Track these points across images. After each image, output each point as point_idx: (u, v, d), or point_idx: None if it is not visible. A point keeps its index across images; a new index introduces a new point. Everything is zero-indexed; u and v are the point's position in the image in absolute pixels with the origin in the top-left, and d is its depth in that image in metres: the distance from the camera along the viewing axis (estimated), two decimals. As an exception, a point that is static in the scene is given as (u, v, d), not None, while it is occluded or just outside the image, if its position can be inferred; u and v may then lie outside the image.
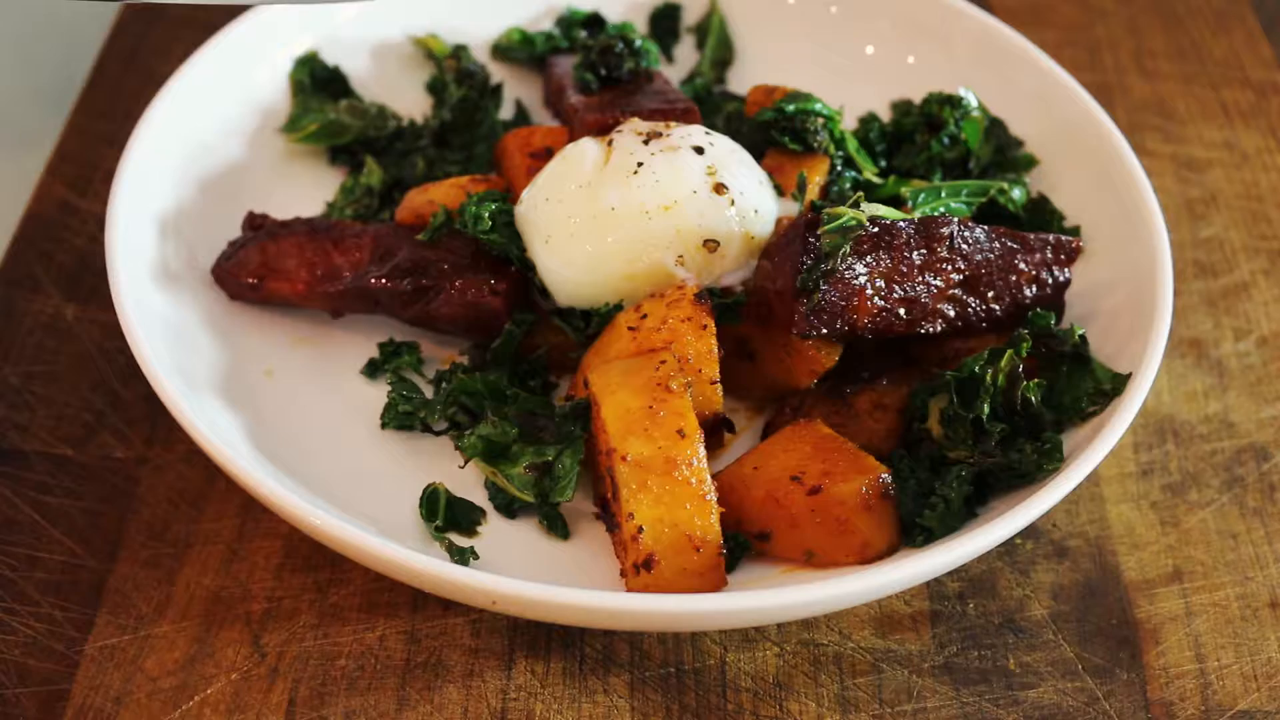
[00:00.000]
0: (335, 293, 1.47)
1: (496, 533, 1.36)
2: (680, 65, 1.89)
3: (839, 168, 1.58)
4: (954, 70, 1.76)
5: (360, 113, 1.72)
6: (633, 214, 1.41)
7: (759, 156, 1.55)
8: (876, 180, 1.58)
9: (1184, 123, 1.99)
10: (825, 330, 1.34)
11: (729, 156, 1.47)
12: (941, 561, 1.21)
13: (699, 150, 1.45)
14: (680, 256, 1.41)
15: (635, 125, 1.50)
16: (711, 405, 1.35)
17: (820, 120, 1.56)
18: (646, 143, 1.46)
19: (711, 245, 1.41)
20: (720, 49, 1.88)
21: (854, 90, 1.76)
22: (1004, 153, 1.69)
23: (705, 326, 1.35)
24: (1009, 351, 1.34)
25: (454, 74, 1.76)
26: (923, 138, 1.64)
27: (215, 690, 1.27)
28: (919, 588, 1.38)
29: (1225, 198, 1.86)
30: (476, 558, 1.31)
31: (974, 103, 1.64)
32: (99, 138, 1.84)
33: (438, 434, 1.45)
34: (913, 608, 1.36)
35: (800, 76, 1.72)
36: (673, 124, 1.51)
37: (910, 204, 1.53)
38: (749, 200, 1.45)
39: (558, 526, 1.35)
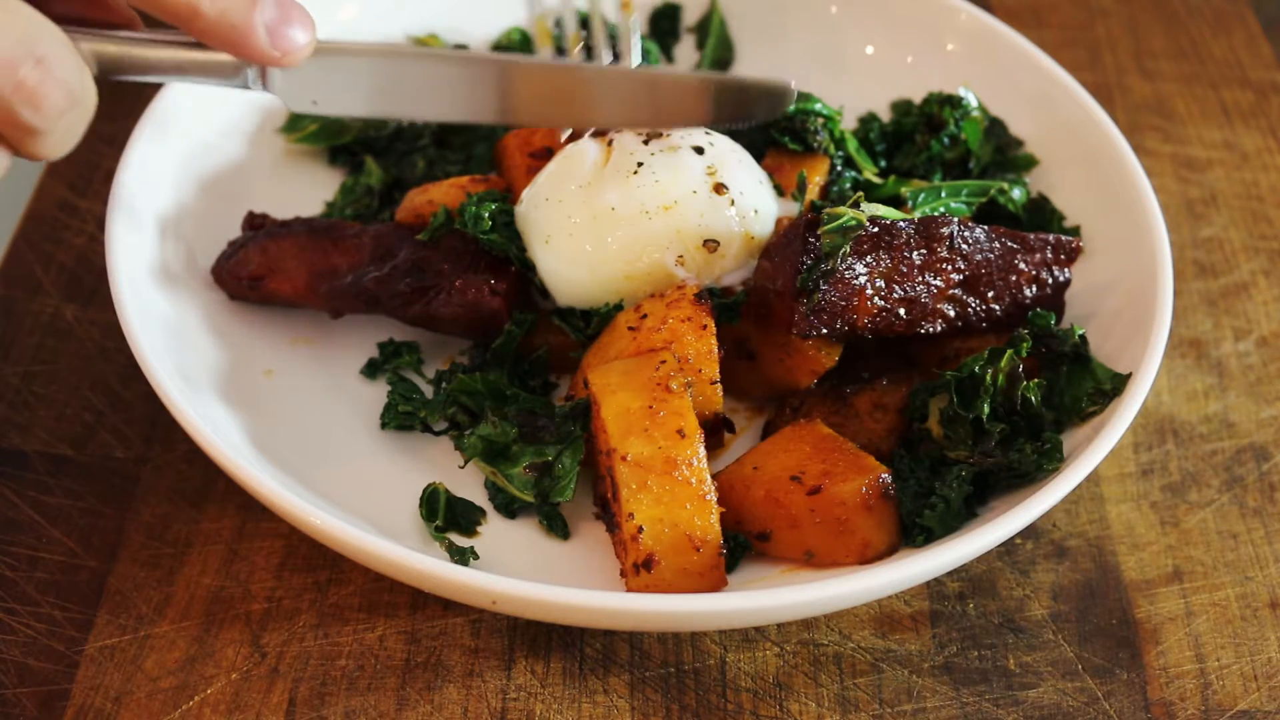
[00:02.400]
0: (335, 293, 1.47)
1: (496, 533, 1.36)
2: (680, 65, 1.89)
3: (839, 168, 1.58)
4: (954, 70, 1.76)
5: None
6: (633, 214, 1.41)
7: (759, 156, 1.56)
8: (876, 180, 1.58)
9: (1184, 123, 1.99)
10: (825, 330, 1.34)
11: (729, 156, 1.47)
12: (941, 561, 1.21)
13: (699, 150, 1.45)
14: (680, 256, 1.41)
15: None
16: (711, 405, 1.35)
17: (820, 120, 1.56)
18: (646, 142, 1.46)
19: (711, 245, 1.41)
20: (720, 49, 1.88)
21: (854, 90, 1.76)
22: (1004, 153, 1.69)
23: (705, 326, 1.35)
24: (1009, 351, 1.34)
25: (454, 74, 1.75)
26: (923, 138, 1.64)
27: (215, 690, 1.27)
28: (919, 588, 1.38)
29: (1225, 198, 1.86)
30: (476, 558, 1.31)
31: (974, 103, 1.64)
32: (99, 138, 1.82)
33: (438, 434, 1.45)
34: (913, 608, 1.36)
35: (800, 76, 1.72)
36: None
37: (910, 204, 1.53)
38: (749, 200, 1.45)
39: (558, 526, 1.36)
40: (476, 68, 1.32)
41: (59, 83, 1.01)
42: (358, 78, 1.26)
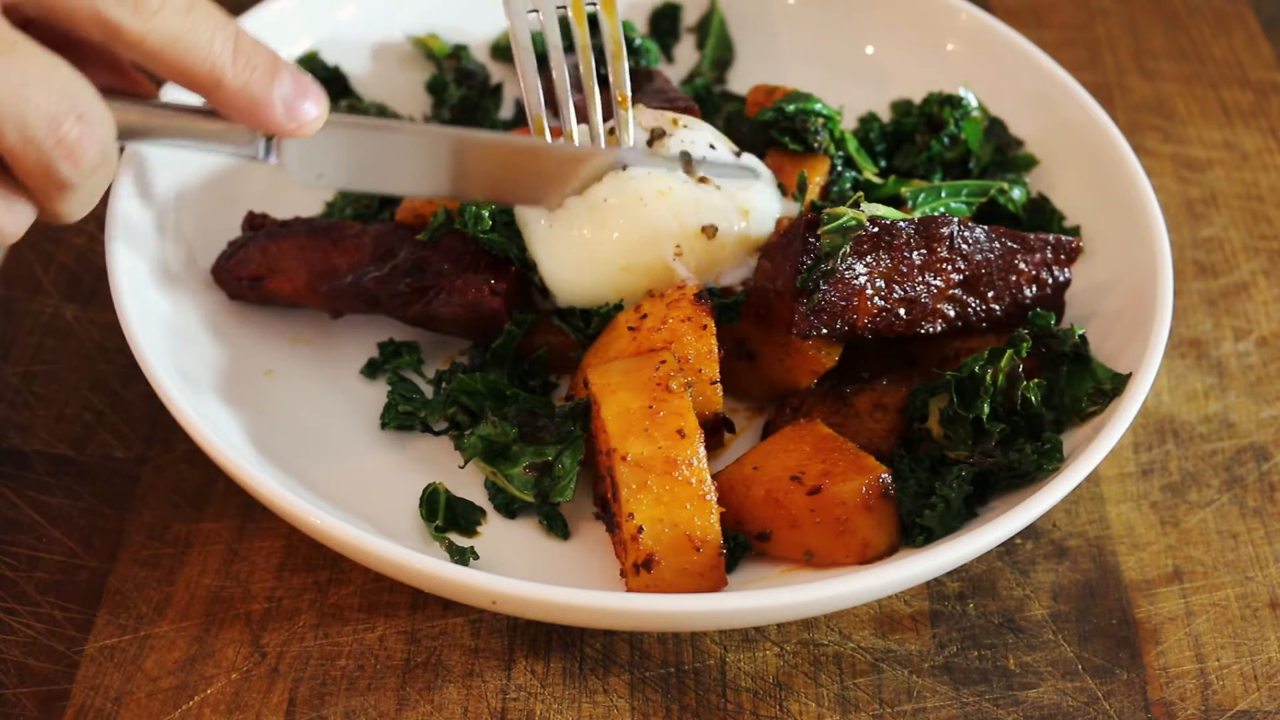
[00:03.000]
0: (335, 292, 1.47)
1: (496, 533, 1.36)
2: (680, 65, 1.89)
3: (839, 168, 1.58)
4: (954, 70, 1.76)
5: (360, 113, 1.72)
6: (628, 204, 1.41)
7: (760, 156, 1.55)
8: (876, 180, 1.58)
9: (1184, 123, 1.99)
10: (825, 330, 1.34)
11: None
12: (941, 561, 1.21)
13: (687, 159, 1.46)
14: (678, 246, 1.41)
15: (641, 115, 1.50)
16: (711, 405, 1.35)
17: (820, 120, 1.56)
18: (650, 143, 1.46)
19: (710, 231, 1.41)
20: (720, 49, 1.88)
21: (854, 90, 1.76)
22: (1004, 153, 1.69)
23: (705, 326, 1.35)
24: (1009, 351, 1.34)
25: (454, 74, 1.76)
26: (923, 138, 1.64)
27: (215, 690, 1.27)
28: (919, 588, 1.38)
29: (1225, 198, 1.86)
30: (476, 558, 1.32)
31: (974, 103, 1.64)
32: (99, 138, 1.83)
33: (438, 434, 1.45)
34: (913, 608, 1.36)
35: (800, 76, 1.72)
36: (681, 119, 1.50)
37: (910, 204, 1.53)
38: (741, 194, 1.45)
39: (558, 526, 1.36)
40: (483, 144, 1.36)
41: (96, 139, 1.05)
42: (364, 152, 1.31)
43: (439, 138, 1.35)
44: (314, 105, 1.19)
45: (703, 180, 1.43)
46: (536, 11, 1.42)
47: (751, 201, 1.46)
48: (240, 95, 1.13)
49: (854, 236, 1.32)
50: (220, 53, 1.10)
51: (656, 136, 1.47)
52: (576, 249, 1.43)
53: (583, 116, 1.49)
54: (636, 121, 1.49)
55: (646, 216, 1.41)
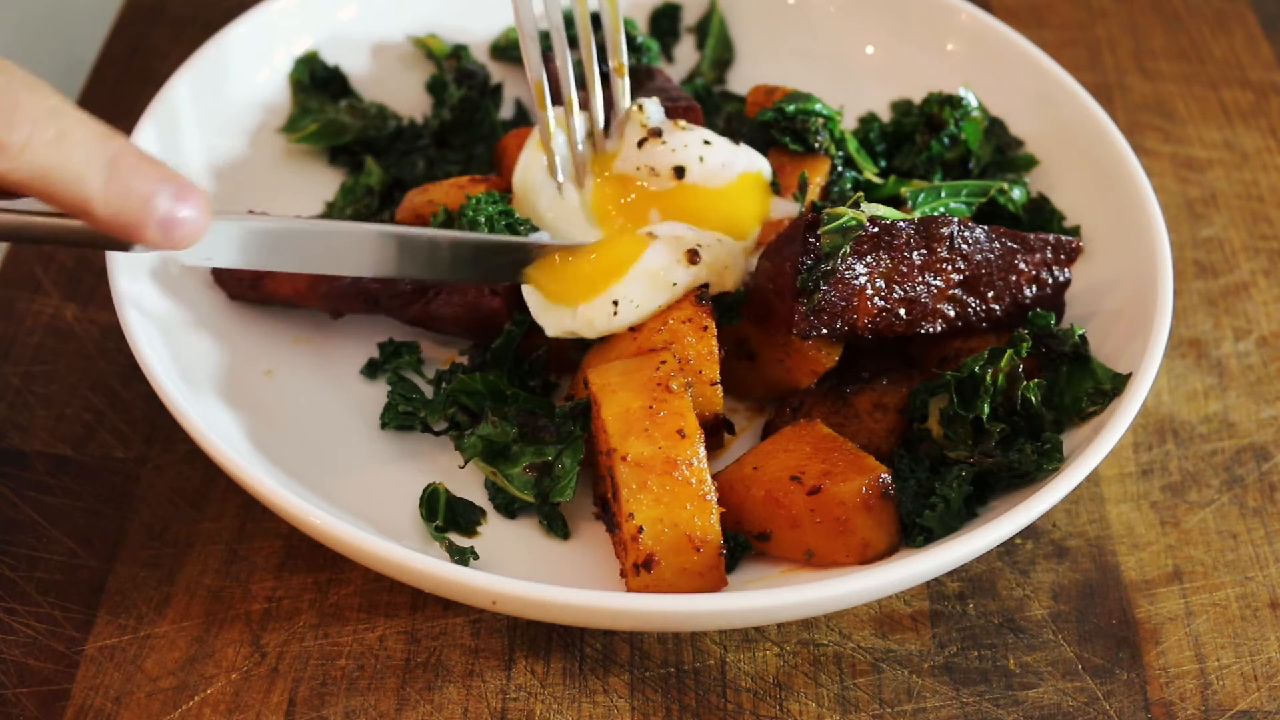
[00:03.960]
0: (335, 293, 1.47)
1: (496, 533, 1.36)
2: (680, 65, 1.89)
3: (839, 168, 1.58)
4: (954, 70, 1.76)
5: (360, 113, 1.72)
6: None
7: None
8: (876, 180, 1.58)
9: (1184, 123, 1.99)
10: (825, 330, 1.34)
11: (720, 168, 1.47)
12: (941, 561, 1.21)
13: (680, 171, 1.45)
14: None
15: (649, 109, 1.50)
16: (711, 406, 1.35)
17: (820, 120, 1.56)
18: (643, 142, 1.46)
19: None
20: (720, 49, 1.88)
21: (854, 90, 1.76)
22: (1004, 153, 1.69)
23: (706, 327, 1.35)
24: (1009, 351, 1.34)
25: (454, 74, 1.75)
26: (923, 138, 1.64)
27: (215, 690, 1.27)
28: (919, 588, 1.38)
29: (1225, 198, 1.86)
30: (476, 558, 1.32)
31: (974, 103, 1.64)
32: (99, 138, 1.83)
33: (438, 434, 1.45)
34: (913, 608, 1.36)
35: (800, 76, 1.73)
36: (680, 123, 1.50)
37: (910, 204, 1.53)
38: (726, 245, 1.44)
39: (558, 526, 1.36)
40: (373, 237, 1.34)
41: None
42: (248, 241, 1.28)
43: (322, 232, 1.32)
44: (195, 213, 1.12)
45: (692, 260, 1.39)
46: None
47: (733, 256, 1.44)
48: (113, 222, 1.08)
49: (854, 236, 1.32)
50: (91, 184, 1.04)
51: (654, 134, 1.47)
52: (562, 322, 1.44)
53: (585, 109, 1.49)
54: (640, 119, 1.49)
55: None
